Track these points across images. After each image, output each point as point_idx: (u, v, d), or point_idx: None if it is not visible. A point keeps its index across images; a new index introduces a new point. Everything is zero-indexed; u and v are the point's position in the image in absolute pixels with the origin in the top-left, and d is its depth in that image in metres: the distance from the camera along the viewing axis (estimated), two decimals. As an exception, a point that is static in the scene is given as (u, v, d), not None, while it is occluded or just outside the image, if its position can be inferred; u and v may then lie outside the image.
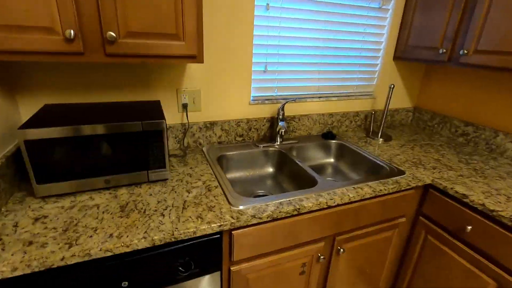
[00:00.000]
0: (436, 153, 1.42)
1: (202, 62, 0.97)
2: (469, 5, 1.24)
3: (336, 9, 1.43)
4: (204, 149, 1.32)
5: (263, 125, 1.46)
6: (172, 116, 1.27)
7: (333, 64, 1.53)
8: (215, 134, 1.37)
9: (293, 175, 1.29)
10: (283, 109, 1.38)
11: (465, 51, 1.25)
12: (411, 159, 1.33)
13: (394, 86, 1.49)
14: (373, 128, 1.73)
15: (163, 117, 0.96)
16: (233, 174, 1.33)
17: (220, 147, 1.35)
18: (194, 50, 0.91)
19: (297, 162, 1.25)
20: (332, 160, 1.54)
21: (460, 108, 1.62)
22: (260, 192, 1.25)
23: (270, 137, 1.49)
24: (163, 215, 0.84)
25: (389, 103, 1.54)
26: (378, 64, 1.66)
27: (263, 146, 1.39)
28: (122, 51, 0.84)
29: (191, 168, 1.14)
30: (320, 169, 1.49)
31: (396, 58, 1.64)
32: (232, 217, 0.85)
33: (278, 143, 1.43)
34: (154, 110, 1.04)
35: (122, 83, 1.15)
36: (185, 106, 1.27)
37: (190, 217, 0.84)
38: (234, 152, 1.32)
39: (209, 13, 1.17)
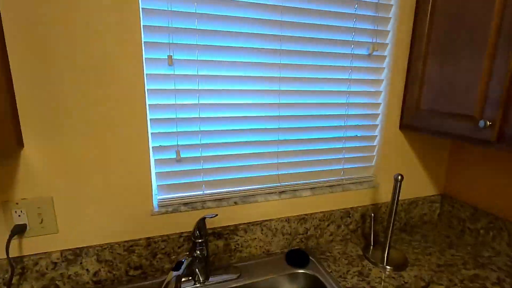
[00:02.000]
0: (495, 312, 0.74)
1: None
2: (529, 45, 0.67)
3: (301, 60, 0.91)
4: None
5: (179, 247, 0.88)
6: (-4, 248, 0.73)
7: (302, 141, 0.97)
8: (87, 269, 0.80)
9: None
10: (199, 229, 0.80)
11: (534, 128, 0.65)
12: (446, 338, 0.66)
13: (402, 178, 0.89)
14: (375, 236, 1.08)
15: None
16: None
17: (92, 294, 0.77)
18: None
19: None
20: (301, 307, 0.89)
21: (524, 210, 0.95)
22: None
23: (190, 267, 0.89)
24: None
25: (397, 202, 0.91)
26: (376, 136, 1.08)
27: (170, 291, 0.79)
28: None
29: None
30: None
31: (404, 127, 1.05)
32: None
33: (201, 282, 0.82)
34: None
35: None
36: (21, 230, 0.73)
37: None
38: (105, 313, 0.72)
39: (51, 69, 0.68)
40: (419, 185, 1.18)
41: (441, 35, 0.88)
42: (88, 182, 0.76)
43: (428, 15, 0.91)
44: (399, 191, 0.90)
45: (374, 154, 1.09)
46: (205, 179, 0.88)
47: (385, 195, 1.12)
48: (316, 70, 0.93)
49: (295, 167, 0.98)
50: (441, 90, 0.88)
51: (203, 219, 0.78)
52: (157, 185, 0.84)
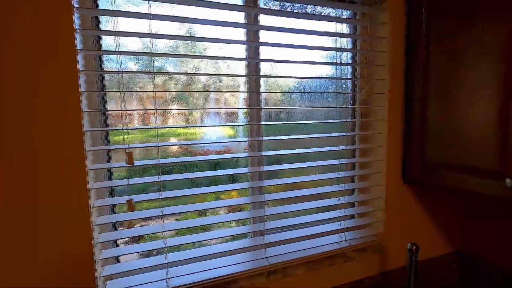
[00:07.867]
0: None
1: None
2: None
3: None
4: None
5: None
6: None
7: (292, 200, 0.80)
8: None
9: None
10: None
11: None
12: None
13: (418, 249, 0.71)
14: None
15: None
16: None
17: None
18: None
19: None
20: None
21: None
22: None
23: None
24: None
25: (415, 279, 0.73)
26: (378, 190, 0.92)
27: None
28: None
29: None
30: None
31: (409, 181, 0.90)
32: None
33: None
34: None
35: None
36: None
37: None
38: None
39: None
40: (432, 240, 1.00)
41: (441, 74, 0.77)
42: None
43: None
44: (416, 266, 0.72)
45: (377, 210, 0.92)
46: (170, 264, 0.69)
47: (397, 260, 0.93)
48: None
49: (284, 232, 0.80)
50: (448, 136, 0.75)
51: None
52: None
